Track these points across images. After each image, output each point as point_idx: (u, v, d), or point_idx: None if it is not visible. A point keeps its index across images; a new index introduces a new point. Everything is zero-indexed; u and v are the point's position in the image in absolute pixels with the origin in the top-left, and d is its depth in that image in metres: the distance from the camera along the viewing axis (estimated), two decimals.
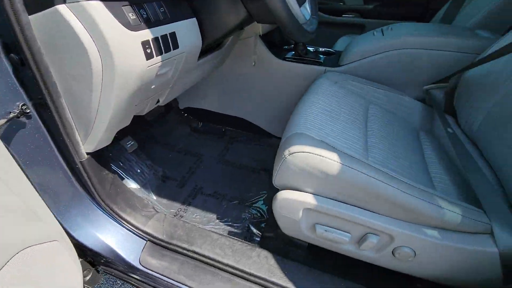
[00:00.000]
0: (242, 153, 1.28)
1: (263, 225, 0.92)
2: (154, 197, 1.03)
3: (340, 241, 0.66)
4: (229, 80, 1.28)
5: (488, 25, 1.10)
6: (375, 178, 0.58)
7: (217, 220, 0.95)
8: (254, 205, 1.01)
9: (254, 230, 0.91)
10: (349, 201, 0.63)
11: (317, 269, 0.73)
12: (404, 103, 0.98)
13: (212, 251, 0.77)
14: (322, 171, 0.61)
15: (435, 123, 0.94)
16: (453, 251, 0.57)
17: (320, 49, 1.32)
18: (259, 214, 0.96)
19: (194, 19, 0.70)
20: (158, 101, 0.84)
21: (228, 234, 0.90)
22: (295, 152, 0.63)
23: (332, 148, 0.63)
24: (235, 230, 0.91)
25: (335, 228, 0.65)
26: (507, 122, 0.74)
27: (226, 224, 0.93)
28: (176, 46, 0.63)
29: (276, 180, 0.70)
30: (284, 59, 1.17)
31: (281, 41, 1.39)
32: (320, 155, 0.61)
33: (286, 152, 0.65)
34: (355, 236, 0.65)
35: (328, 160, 0.60)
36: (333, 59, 1.18)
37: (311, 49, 1.32)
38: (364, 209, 0.62)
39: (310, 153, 0.62)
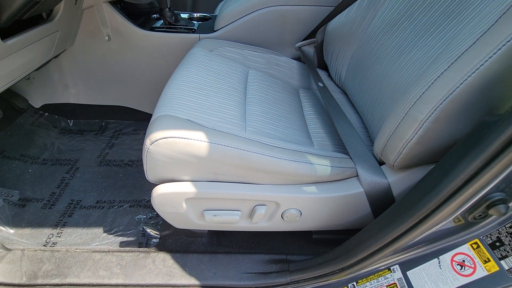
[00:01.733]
0: (130, 147, 1.10)
1: (161, 223, 0.82)
2: (11, 231, 0.79)
3: (232, 221, 0.62)
4: (89, 63, 1.04)
5: None
6: (247, 150, 0.54)
7: (105, 234, 0.80)
8: (149, 203, 0.89)
9: (151, 232, 0.80)
10: (228, 179, 0.58)
11: (221, 253, 0.70)
12: (282, 63, 0.97)
13: (95, 276, 0.64)
14: (191, 155, 0.54)
15: (311, 79, 0.97)
16: (330, 200, 0.59)
17: (195, 14, 1.19)
18: (155, 213, 0.86)
19: None
20: None
21: (119, 246, 0.77)
22: (157, 140, 0.53)
23: (199, 127, 0.56)
24: (128, 239, 0.79)
25: (224, 210, 0.61)
26: (362, 70, 0.80)
27: (116, 235, 0.79)
28: None
29: (148, 175, 0.59)
30: (152, 29, 1.01)
31: (151, 9, 1.19)
32: (185, 138, 0.53)
33: (148, 142, 0.54)
34: (245, 211, 0.62)
35: (195, 142, 0.53)
36: (209, 25, 1.08)
37: (185, 15, 1.18)
38: (246, 183, 0.58)
39: (174, 137, 0.53)
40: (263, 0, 0.93)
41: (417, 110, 0.46)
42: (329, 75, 1.01)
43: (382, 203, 0.58)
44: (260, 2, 0.93)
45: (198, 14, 1.20)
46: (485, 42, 0.40)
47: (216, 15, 1.16)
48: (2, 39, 0.59)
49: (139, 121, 1.22)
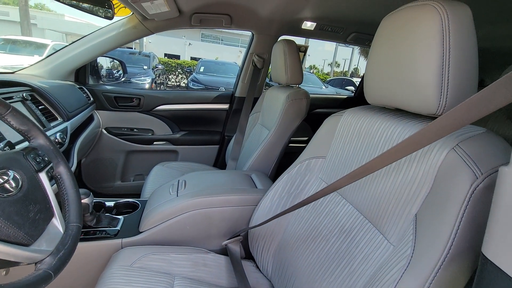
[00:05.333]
0: None
1: None
2: None
3: None
4: None
5: (260, 165, 1.41)
6: None
7: None
8: None
9: None
10: None
11: None
12: (209, 262, 0.98)
13: None
14: None
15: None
16: None
17: (120, 200, 1.19)
18: None
19: None
20: None
21: None
22: None
23: None
24: None
25: None
26: (286, 276, 0.85)
27: None
28: None
29: None
30: None
31: None
32: None
33: None
34: None
35: None
36: (135, 220, 1.07)
37: (110, 203, 1.16)
38: None
39: None
40: (189, 204, 1.01)
41: None
42: (257, 266, 1.04)
43: None
44: (186, 206, 1.01)
45: (124, 200, 1.20)
46: None
47: (145, 200, 1.19)
48: None
49: None
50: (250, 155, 1.46)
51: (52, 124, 1.11)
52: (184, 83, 12.35)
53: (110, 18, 1.25)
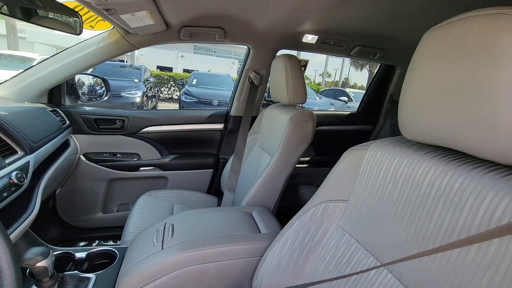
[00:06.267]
0: None
1: None
2: None
3: None
4: None
5: (261, 198, 1.22)
6: None
7: None
8: None
9: None
10: None
11: None
12: None
13: None
14: None
15: None
16: None
17: (93, 250, 0.98)
18: None
19: None
20: None
21: None
22: None
23: None
24: None
25: None
26: None
27: None
28: None
29: None
30: None
31: None
32: None
33: None
34: None
35: None
36: (109, 279, 0.86)
37: (81, 254, 0.96)
38: None
39: None
40: (177, 260, 0.81)
41: None
42: None
43: None
44: (174, 262, 0.80)
45: (99, 249, 0.99)
46: None
47: (126, 248, 0.98)
48: None
49: None
50: (249, 185, 1.27)
51: (8, 160, 0.90)
52: (176, 95, 12.17)
53: (77, 34, 1.06)
